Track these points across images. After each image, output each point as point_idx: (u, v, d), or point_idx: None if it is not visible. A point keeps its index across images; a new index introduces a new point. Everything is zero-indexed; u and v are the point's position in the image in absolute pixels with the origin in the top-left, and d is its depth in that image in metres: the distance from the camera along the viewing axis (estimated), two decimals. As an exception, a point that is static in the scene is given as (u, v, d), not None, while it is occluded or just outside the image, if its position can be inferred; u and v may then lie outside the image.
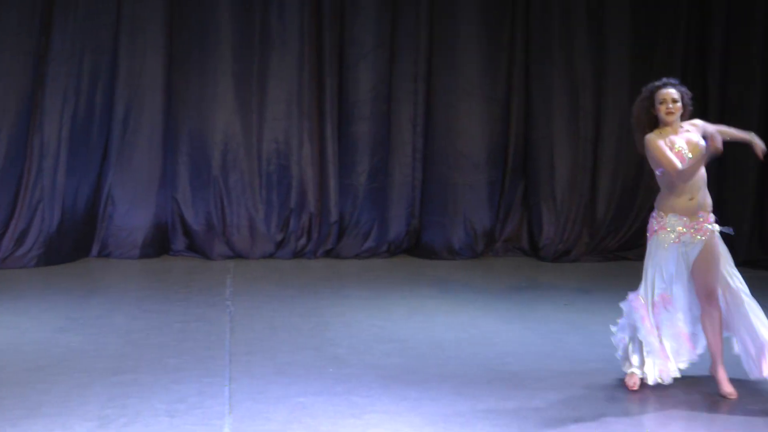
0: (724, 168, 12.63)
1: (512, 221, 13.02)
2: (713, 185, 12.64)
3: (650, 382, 7.86)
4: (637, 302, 7.95)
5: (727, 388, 7.78)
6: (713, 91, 12.70)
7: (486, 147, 12.83)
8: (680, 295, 7.91)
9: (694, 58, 12.91)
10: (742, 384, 8.00)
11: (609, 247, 12.97)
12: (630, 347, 8.03)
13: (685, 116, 7.91)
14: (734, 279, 8.05)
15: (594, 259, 12.84)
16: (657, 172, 7.81)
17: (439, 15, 12.65)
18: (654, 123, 7.85)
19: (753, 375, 7.96)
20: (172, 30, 12.32)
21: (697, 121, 7.96)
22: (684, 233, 7.77)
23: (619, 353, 8.16)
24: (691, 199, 7.79)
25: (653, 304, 7.89)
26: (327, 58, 12.48)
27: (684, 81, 12.72)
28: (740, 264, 12.22)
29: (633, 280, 11.57)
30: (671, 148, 7.71)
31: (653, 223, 7.86)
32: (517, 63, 12.80)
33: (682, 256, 7.82)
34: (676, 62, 12.88)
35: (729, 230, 7.98)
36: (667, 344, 7.91)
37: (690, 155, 7.71)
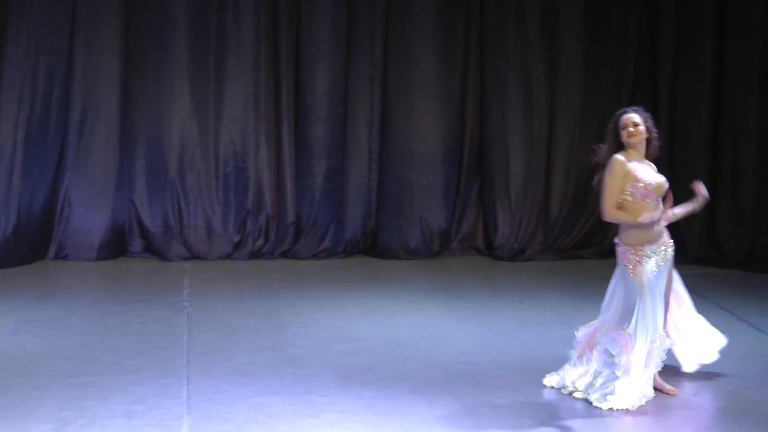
0: (675, 167, 12.72)
1: (468, 221, 13.05)
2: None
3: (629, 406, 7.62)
4: (624, 338, 7.73)
5: (668, 387, 7.85)
6: (663, 87, 12.78)
7: (441, 147, 12.85)
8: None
9: (645, 57, 12.99)
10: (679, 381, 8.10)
11: (563, 245, 13.03)
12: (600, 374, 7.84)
13: (652, 143, 7.87)
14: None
15: (548, 258, 12.89)
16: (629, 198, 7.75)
17: (394, 16, 12.66)
18: (621, 149, 7.79)
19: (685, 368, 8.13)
20: (128, 32, 12.27)
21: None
22: (658, 257, 7.75)
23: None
24: (657, 227, 7.76)
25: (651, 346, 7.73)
26: (283, 60, 12.47)
27: (635, 80, 12.95)
28: (691, 262, 12.44)
29: (587, 278, 11.68)
30: (635, 183, 7.65)
31: (631, 258, 7.70)
32: (472, 63, 12.83)
33: (659, 283, 7.76)
34: (629, 61, 12.96)
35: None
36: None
37: (654, 189, 7.67)
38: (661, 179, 7.78)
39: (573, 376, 7.90)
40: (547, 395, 7.88)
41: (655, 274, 7.68)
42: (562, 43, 12.85)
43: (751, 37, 12.40)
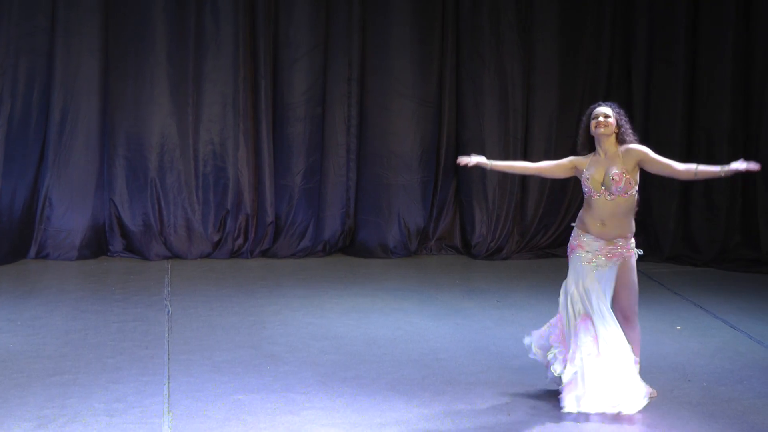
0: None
1: (445, 220, 13.07)
2: (640, 184, 12.80)
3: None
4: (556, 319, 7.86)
5: (648, 389, 7.82)
6: (637, 87, 12.84)
7: (419, 147, 12.86)
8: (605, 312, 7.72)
9: (619, 57, 13.03)
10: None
11: (539, 244, 13.06)
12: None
13: (620, 136, 7.75)
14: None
15: (525, 257, 12.92)
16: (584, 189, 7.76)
17: (371, 18, 12.67)
18: (592, 144, 7.76)
19: None
20: (108, 33, 12.24)
21: (640, 148, 7.77)
22: (598, 255, 7.72)
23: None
24: (602, 224, 7.67)
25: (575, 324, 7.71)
26: (261, 61, 12.46)
27: (610, 80, 12.99)
28: (666, 260, 12.49)
29: (563, 276, 11.69)
30: (584, 179, 7.67)
31: (572, 240, 7.79)
32: (449, 64, 12.85)
33: (598, 276, 7.70)
34: (603, 61, 13.00)
35: (639, 252, 7.93)
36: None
37: (591, 185, 7.65)
38: (603, 175, 7.64)
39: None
40: (524, 392, 7.89)
41: (584, 267, 7.64)
42: (537, 45, 12.88)
43: (722, 37, 12.46)
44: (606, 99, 12.83)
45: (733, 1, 12.41)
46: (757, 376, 8.37)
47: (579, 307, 7.68)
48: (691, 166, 7.75)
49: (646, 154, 7.72)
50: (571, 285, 7.77)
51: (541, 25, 12.86)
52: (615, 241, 7.70)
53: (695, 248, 12.67)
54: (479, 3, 12.72)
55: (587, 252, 7.69)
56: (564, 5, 12.89)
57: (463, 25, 12.80)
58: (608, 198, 7.64)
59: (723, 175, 7.76)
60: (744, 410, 7.61)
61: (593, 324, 7.59)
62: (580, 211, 7.83)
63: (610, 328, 7.55)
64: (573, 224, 7.88)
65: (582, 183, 7.75)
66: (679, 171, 7.78)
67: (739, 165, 7.66)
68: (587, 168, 7.72)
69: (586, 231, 7.73)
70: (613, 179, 7.61)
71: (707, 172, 7.79)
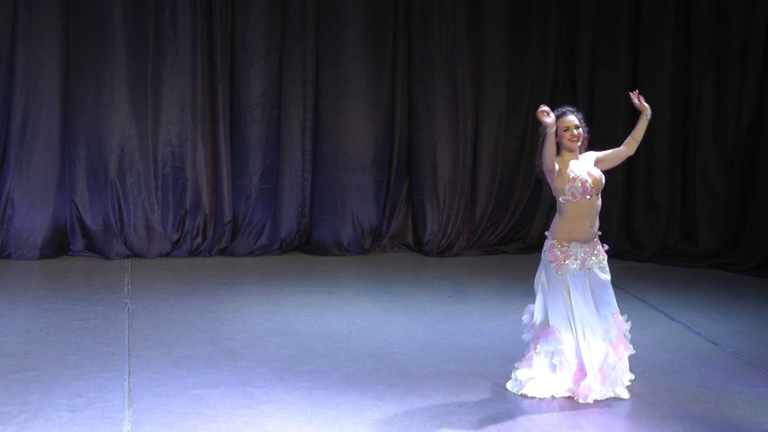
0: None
1: (397, 218, 13.08)
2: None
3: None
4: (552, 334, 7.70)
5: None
6: (582, 89, 12.91)
7: (372, 148, 12.87)
8: (592, 319, 7.71)
9: (564, 61, 13.10)
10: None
11: (489, 241, 13.11)
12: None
13: (584, 145, 7.80)
14: None
15: (475, 253, 12.96)
16: (560, 200, 7.64)
17: (325, 23, 12.66)
18: (557, 149, 7.66)
19: None
20: (68, 38, 12.18)
21: (588, 153, 7.87)
22: (585, 260, 7.74)
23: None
24: (591, 226, 7.68)
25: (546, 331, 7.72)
26: (219, 65, 12.44)
27: (555, 83, 13.06)
28: (610, 255, 12.54)
29: (511, 272, 11.78)
30: (572, 181, 7.58)
31: (557, 253, 7.64)
32: (401, 68, 12.86)
33: (586, 282, 7.70)
34: (549, 65, 13.06)
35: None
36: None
37: (592, 186, 7.63)
38: (597, 173, 7.71)
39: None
40: (475, 384, 7.93)
41: (576, 275, 7.64)
42: (486, 49, 12.92)
43: (662, 42, 12.56)
44: (552, 102, 13.00)
45: (673, 8, 12.51)
46: (696, 366, 8.47)
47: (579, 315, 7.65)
48: (628, 139, 7.92)
49: (598, 153, 7.88)
50: (560, 298, 7.68)
51: (490, 31, 12.89)
52: (594, 241, 7.75)
53: (637, 244, 12.77)
54: (430, 9, 12.74)
55: (575, 260, 7.68)
56: (511, 12, 12.93)
57: (414, 31, 12.82)
58: (590, 198, 7.66)
59: (647, 119, 8.01)
60: (684, 399, 7.70)
61: (582, 335, 7.62)
62: (559, 222, 7.69)
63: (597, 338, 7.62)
64: (547, 233, 7.80)
65: (567, 188, 7.61)
66: (625, 150, 7.97)
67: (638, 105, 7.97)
68: (572, 171, 7.64)
69: (573, 239, 7.66)
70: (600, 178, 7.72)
71: (640, 130, 8.01)
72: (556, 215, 7.75)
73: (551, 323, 7.67)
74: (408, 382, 7.96)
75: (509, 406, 7.52)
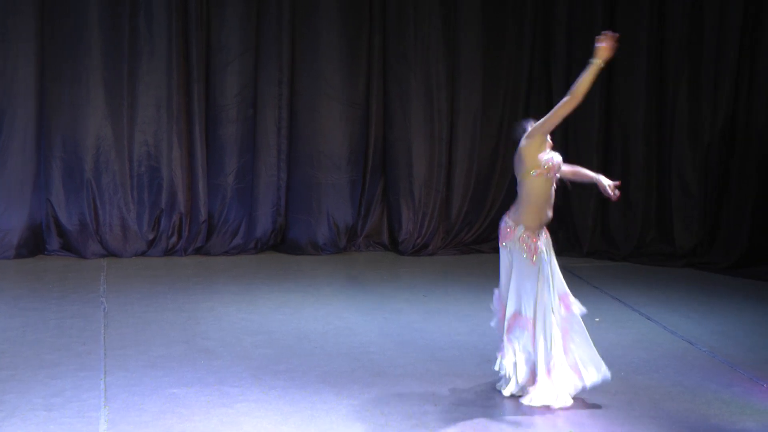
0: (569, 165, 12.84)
1: (373, 218, 13.07)
2: (560, 182, 12.90)
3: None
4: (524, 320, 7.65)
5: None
6: (557, 88, 12.87)
7: (347, 148, 12.85)
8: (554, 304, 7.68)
9: (540, 60, 13.11)
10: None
11: (464, 240, 13.10)
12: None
13: None
14: None
15: (450, 253, 12.95)
16: (532, 173, 7.49)
17: (300, 23, 12.63)
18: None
19: None
20: (44, 38, 12.11)
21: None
22: (547, 245, 7.72)
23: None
24: (549, 211, 7.68)
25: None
26: (194, 64, 12.39)
27: (530, 82, 13.07)
28: (585, 255, 12.62)
29: (486, 271, 11.76)
30: (551, 162, 7.55)
31: (529, 242, 7.57)
32: (376, 67, 12.85)
33: (549, 267, 7.66)
34: (524, 64, 13.07)
35: None
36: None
37: (559, 167, 7.61)
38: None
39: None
40: (451, 383, 7.92)
41: (545, 262, 7.61)
42: (461, 48, 12.91)
43: (637, 43, 12.58)
44: (527, 101, 13.05)
45: (648, 9, 12.53)
46: (672, 365, 8.49)
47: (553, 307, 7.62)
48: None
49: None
50: (544, 289, 7.63)
51: (465, 29, 12.89)
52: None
53: (613, 244, 12.78)
54: (405, 8, 12.73)
55: (544, 246, 7.66)
56: (486, 10, 12.93)
57: (389, 30, 12.80)
58: (555, 180, 7.63)
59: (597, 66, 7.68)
60: (660, 398, 7.71)
61: (551, 326, 7.60)
62: (528, 208, 7.57)
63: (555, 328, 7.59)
64: (508, 222, 7.67)
65: (547, 173, 7.54)
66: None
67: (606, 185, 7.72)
68: (551, 157, 7.59)
69: (542, 226, 7.63)
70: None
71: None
72: (523, 203, 7.58)
73: (524, 313, 7.60)
74: (384, 382, 7.95)
75: (485, 404, 7.51)
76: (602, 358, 8.32)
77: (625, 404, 7.54)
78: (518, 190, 7.63)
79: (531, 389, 7.53)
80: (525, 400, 7.50)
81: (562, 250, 12.75)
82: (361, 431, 6.98)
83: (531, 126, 7.60)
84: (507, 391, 7.63)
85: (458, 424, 7.16)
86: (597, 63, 7.57)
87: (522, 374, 7.60)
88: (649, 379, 8.12)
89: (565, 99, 7.49)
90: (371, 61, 12.84)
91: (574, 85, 7.51)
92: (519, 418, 7.28)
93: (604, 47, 7.60)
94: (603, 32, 7.57)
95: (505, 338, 7.63)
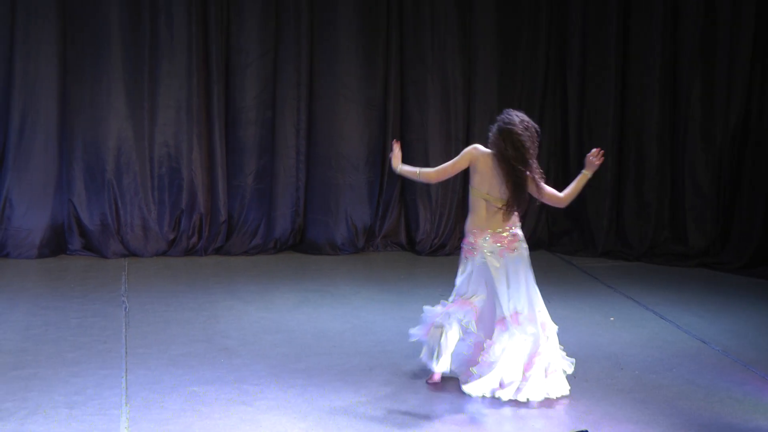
0: (584, 166, 12.83)
1: (390, 218, 13.08)
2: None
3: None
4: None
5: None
6: (572, 91, 12.93)
7: (365, 149, 12.88)
8: None
9: (555, 62, 13.10)
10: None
11: (479, 241, 13.09)
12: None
13: None
14: None
15: (467, 252, 12.94)
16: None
17: (319, 26, 12.66)
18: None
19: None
20: (66, 40, 12.16)
21: None
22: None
23: None
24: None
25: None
26: (214, 66, 12.43)
27: (546, 84, 13.07)
28: (599, 254, 12.62)
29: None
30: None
31: (524, 242, 7.96)
32: (393, 69, 12.86)
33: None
34: (540, 66, 13.06)
35: None
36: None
37: None
38: None
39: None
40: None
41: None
42: (477, 50, 12.92)
43: (651, 47, 12.57)
44: (543, 103, 13.05)
45: (661, 13, 12.52)
46: (685, 364, 8.49)
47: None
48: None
49: None
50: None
51: (481, 32, 12.90)
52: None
53: (627, 244, 12.77)
54: (422, 11, 12.75)
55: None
56: (502, 14, 12.93)
57: (406, 33, 12.82)
58: None
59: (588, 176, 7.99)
60: (673, 396, 7.72)
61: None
62: (513, 219, 8.00)
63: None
64: (520, 233, 7.97)
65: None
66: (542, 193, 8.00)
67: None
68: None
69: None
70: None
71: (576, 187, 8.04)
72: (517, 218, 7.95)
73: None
74: (401, 380, 7.97)
75: (504, 404, 7.53)
76: (617, 355, 8.37)
77: (639, 403, 7.55)
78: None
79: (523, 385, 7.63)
80: (521, 396, 7.58)
81: (577, 250, 12.84)
82: (380, 429, 7.01)
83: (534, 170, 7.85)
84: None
85: (478, 422, 7.18)
86: (586, 174, 7.93)
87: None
88: (663, 378, 8.13)
89: (558, 194, 7.94)
90: (389, 64, 12.86)
91: (567, 189, 7.94)
92: (542, 411, 7.31)
93: (596, 163, 7.92)
94: (597, 150, 7.97)
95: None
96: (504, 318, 7.68)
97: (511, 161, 7.72)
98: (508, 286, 7.73)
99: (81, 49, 12.22)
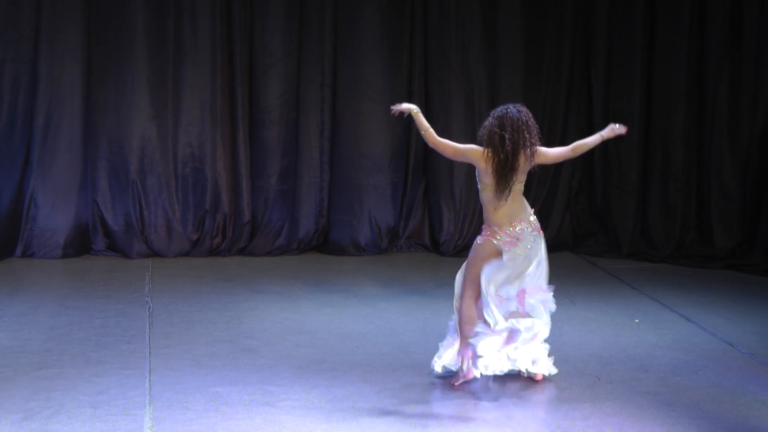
0: (610, 167, 12.82)
1: (414, 219, 13.07)
2: (599, 184, 12.88)
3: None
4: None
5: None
6: (597, 91, 12.89)
7: (389, 149, 12.87)
8: None
9: (580, 63, 13.07)
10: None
11: (504, 242, 13.06)
12: None
13: None
14: None
15: (490, 254, 12.92)
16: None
17: (343, 26, 12.66)
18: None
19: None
20: (90, 41, 12.20)
21: None
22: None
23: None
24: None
25: None
26: (238, 67, 12.44)
27: (570, 85, 13.04)
28: (625, 256, 12.58)
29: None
30: None
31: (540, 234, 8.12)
32: (417, 69, 12.85)
33: None
34: (565, 67, 13.03)
35: None
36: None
37: None
38: None
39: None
40: (487, 382, 7.91)
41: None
42: (502, 51, 12.89)
43: (677, 46, 12.52)
44: (567, 104, 13.02)
45: (688, 11, 12.47)
46: (711, 367, 8.44)
47: None
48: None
49: None
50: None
51: (506, 32, 12.87)
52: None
53: (652, 245, 12.72)
54: (446, 11, 12.73)
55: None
56: (527, 13, 12.91)
57: (430, 32, 12.81)
58: None
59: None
60: (699, 399, 7.68)
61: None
62: (528, 207, 8.20)
63: None
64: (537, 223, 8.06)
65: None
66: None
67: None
68: None
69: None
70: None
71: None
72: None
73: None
74: (425, 381, 7.95)
75: (527, 400, 7.51)
76: (642, 358, 8.33)
77: (665, 405, 7.52)
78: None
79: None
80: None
81: (602, 251, 12.79)
82: (403, 430, 7.00)
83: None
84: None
85: (503, 421, 7.17)
86: (602, 136, 8.13)
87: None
88: (688, 380, 8.08)
89: (563, 150, 8.08)
90: (413, 63, 12.85)
91: (579, 143, 8.07)
92: (567, 413, 7.28)
93: (618, 132, 8.15)
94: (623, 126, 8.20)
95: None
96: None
97: (506, 145, 7.74)
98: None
99: (105, 49, 12.25)
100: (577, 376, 8.13)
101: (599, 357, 8.32)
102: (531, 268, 7.84)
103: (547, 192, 13.08)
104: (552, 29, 13.01)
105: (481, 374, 7.74)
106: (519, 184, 7.90)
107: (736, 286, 11.43)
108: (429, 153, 12.98)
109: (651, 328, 9.60)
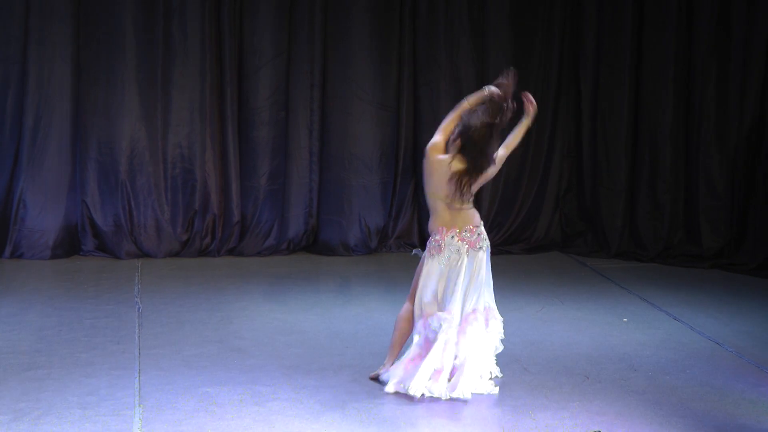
0: (598, 167, 12.85)
1: (403, 219, 13.08)
2: (588, 184, 12.90)
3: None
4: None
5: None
6: (586, 91, 12.92)
7: (378, 150, 12.88)
8: None
9: (568, 63, 13.10)
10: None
11: (493, 242, 13.01)
12: None
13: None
14: None
15: (480, 254, 12.93)
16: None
17: (332, 27, 12.67)
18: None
19: None
20: (79, 41, 12.19)
21: None
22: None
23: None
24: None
25: None
26: (227, 67, 12.45)
27: (559, 85, 13.06)
28: (613, 255, 12.60)
29: (515, 272, 11.77)
30: None
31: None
32: (406, 71, 12.86)
33: None
34: (553, 67, 13.05)
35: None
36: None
37: None
38: None
39: None
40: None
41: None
42: (490, 51, 12.91)
43: (665, 45, 12.55)
44: (556, 103, 13.04)
45: (675, 12, 12.50)
46: (699, 366, 8.47)
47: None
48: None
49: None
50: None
51: (495, 32, 12.89)
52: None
53: (641, 245, 12.75)
54: (435, 12, 12.74)
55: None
56: (515, 14, 12.93)
57: (419, 33, 12.82)
58: None
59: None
60: (687, 398, 7.70)
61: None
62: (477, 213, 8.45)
63: None
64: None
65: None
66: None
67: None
68: None
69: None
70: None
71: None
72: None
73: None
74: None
75: (523, 403, 7.52)
76: (631, 357, 8.35)
77: (652, 404, 7.54)
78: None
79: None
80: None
81: (591, 251, 12.82)
82: (393, 431, 7.01)
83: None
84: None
85: (491, 419, 7.18)
86: (526, 123, 8.64)
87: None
88: (676, 379, 8.11)
89: (503, 154, 8.56)
90: (402, 64, 12.86)
91: (507, 140, 8.63)
92: (555, 413, 7.30)
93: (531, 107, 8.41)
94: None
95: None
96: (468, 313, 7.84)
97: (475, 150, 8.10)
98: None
99: (95, 50, 12.25)
100: (566, 375, 8.15)
101: (588, 356, 8.34)
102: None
103: (536, 192, 13.10)
104: (541, 30, 13.03)
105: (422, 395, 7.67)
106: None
107: (724, 285, 11.46)
108: (418, 153, 12.98)
109: (639, 327, 9.63)
